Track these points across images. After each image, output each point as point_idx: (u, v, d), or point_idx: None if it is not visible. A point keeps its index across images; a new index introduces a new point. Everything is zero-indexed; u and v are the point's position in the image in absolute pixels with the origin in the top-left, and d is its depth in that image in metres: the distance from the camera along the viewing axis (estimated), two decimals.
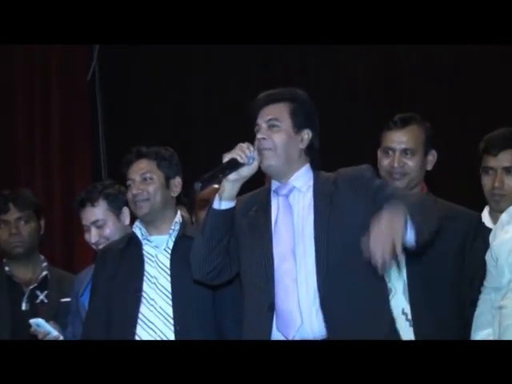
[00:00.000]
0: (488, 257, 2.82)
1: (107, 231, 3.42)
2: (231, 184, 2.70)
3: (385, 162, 3.15)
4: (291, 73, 5.28)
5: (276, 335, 2.66)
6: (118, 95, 5.58)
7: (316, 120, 2.84)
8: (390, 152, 3.13)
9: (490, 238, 2.85)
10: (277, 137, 2.74)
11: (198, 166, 5.03)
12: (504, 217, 2.84)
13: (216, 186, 4.03)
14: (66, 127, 5.51)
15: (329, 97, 4.97)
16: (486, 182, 3.20)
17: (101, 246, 3.38)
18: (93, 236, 3.42)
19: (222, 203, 2.70)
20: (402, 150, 3.12)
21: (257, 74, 5.38)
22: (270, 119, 2.76)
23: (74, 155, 5.51)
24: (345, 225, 2.68)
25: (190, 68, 5.52)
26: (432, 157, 3.19)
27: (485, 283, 2.84)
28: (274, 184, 2.81)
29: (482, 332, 2.79)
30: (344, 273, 2.64)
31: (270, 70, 5.34)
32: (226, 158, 2.68)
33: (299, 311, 2.63)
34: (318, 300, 2.63)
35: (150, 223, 3.15)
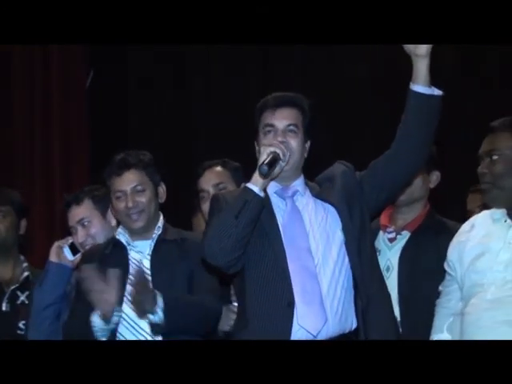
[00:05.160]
0: (449, 263, 2.86)
1: (93, 230, 3.43)
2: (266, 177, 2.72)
3: None
4: (291, 73, 5.28)
5: (297, 331, 2.67)
6: (117, 98, 5.58)
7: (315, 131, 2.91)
8: None
9: (450, 248, 2.90)
10: (294, 142, 2.81)
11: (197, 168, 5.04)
12: (464, 226, 2.90)
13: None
14: (66, 127, 5.51)
15: (329, 97, 4.97)
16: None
17: (88, 247, 3.37)
18: (79, 236, 3.42)
19: (262, 192, 2.71)
20: None
21: (257, 74, 5.38)
22: (289, 124, 2.82)
23: (74, 155, 5.51)
24: (353, 222, 2.77)
25: (189, 69, 5.52)
26: (436, 177, 3.30)
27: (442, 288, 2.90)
28: (275, 187, 2.84)
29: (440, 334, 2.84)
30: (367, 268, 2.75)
31: (270, 70, 5.34)
32: (268, 150, 2.69)
33: (323, 308, 2.66)
34: (336, 297, 2.69)
35: (138, 232, 3.15)
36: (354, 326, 2.73)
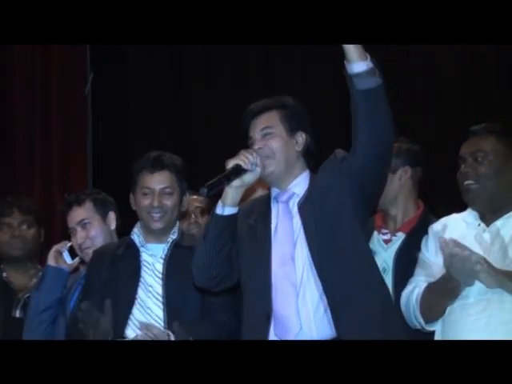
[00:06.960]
0: (427, 257, 2.86)
1: (92, 232, 3.42)
2: (234, 190, 2.70)
3: None
4: (291, 73, 5.28)
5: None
6: (117, 99, 5.58)
7: (308, 122, 2.86)
8: None
9: (423, 247, 2.91)
10: (273, 143, 2.77)
11: (198, 169, 5.05)
12: (436, 226, 2.91)
13: None
14: (66, 127, 5.52)
15: (329, 97, 4.97)
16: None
17: (86, 249, 3.37)
18: (78, 237, 3.41)
19: (225, 209, 2.70)
20: None
21: (257, 74, 5.38)
22: (262, 128, 2.79)
23: (74, 155, 5.52)
24: (330, 219, 2.69)
25: (189, 69, 5.52)
26: (404, 172, 3.27)
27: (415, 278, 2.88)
28: (274, 191, 2.82)
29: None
30: (342, 271, 2.65)
31: (270, 70, 5.34)
32: (230, 163, 2.67)
33: (298, 316, 2.63)
34: (321, 303, 2.63)
35: (155, 233, 3.14)
36: None
